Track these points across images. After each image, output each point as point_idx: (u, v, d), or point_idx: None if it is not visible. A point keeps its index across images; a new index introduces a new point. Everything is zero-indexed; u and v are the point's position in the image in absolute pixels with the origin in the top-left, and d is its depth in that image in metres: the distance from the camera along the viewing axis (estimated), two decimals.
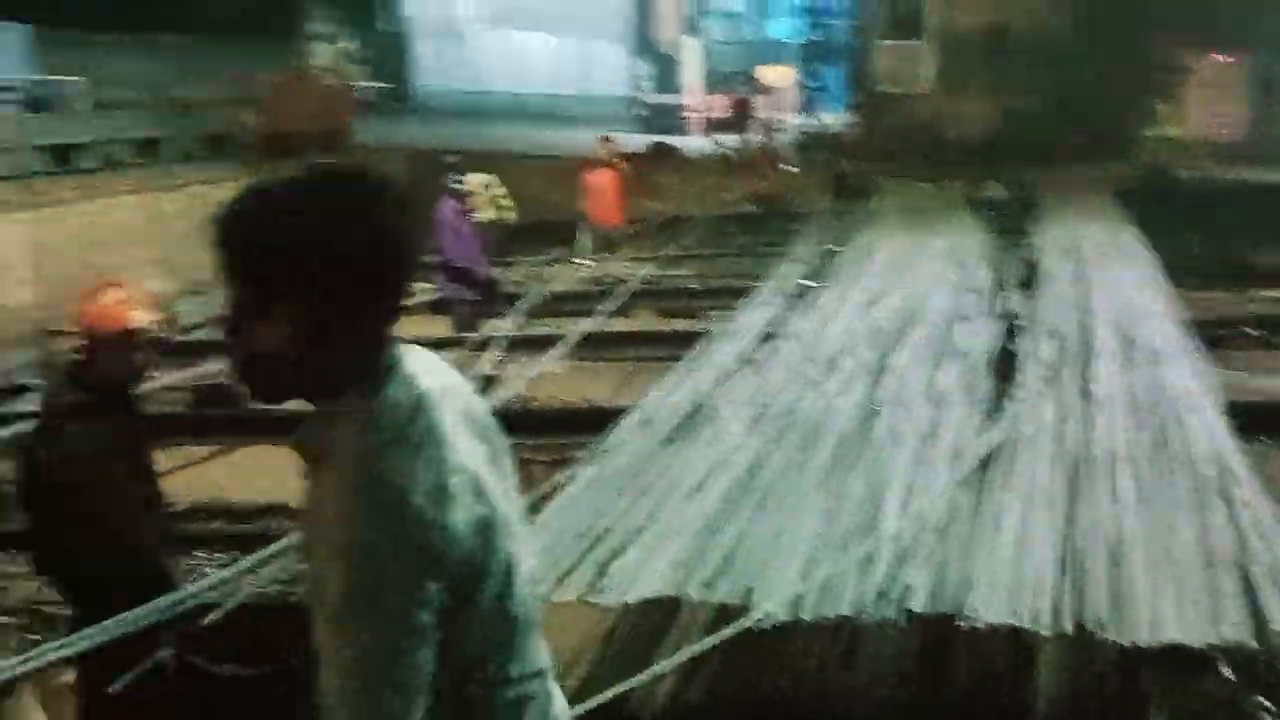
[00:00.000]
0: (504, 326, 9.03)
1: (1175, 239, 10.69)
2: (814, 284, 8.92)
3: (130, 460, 3.32)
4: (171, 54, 18.59)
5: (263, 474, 6.17)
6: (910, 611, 3.72)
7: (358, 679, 1.48)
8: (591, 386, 8.02)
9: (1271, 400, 6.36)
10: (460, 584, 1.54)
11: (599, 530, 4.18)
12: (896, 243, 10.47)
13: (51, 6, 17.17)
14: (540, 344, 8.50)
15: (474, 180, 10.33)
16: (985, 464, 4.81)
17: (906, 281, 8.53)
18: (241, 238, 1.57)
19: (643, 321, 10.32)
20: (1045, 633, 3.59)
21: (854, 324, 7.24)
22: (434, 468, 1.53)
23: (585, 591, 3.71)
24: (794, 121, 21.92)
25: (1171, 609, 3.59)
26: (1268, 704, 3.36)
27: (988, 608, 3.65)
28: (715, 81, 22.33)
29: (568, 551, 3.99)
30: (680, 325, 9.53)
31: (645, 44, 35.70)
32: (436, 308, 9.85)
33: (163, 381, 7.84)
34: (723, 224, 14.83)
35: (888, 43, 19.15)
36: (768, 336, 7.11)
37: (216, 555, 5.45)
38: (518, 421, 6.73)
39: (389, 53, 34.51)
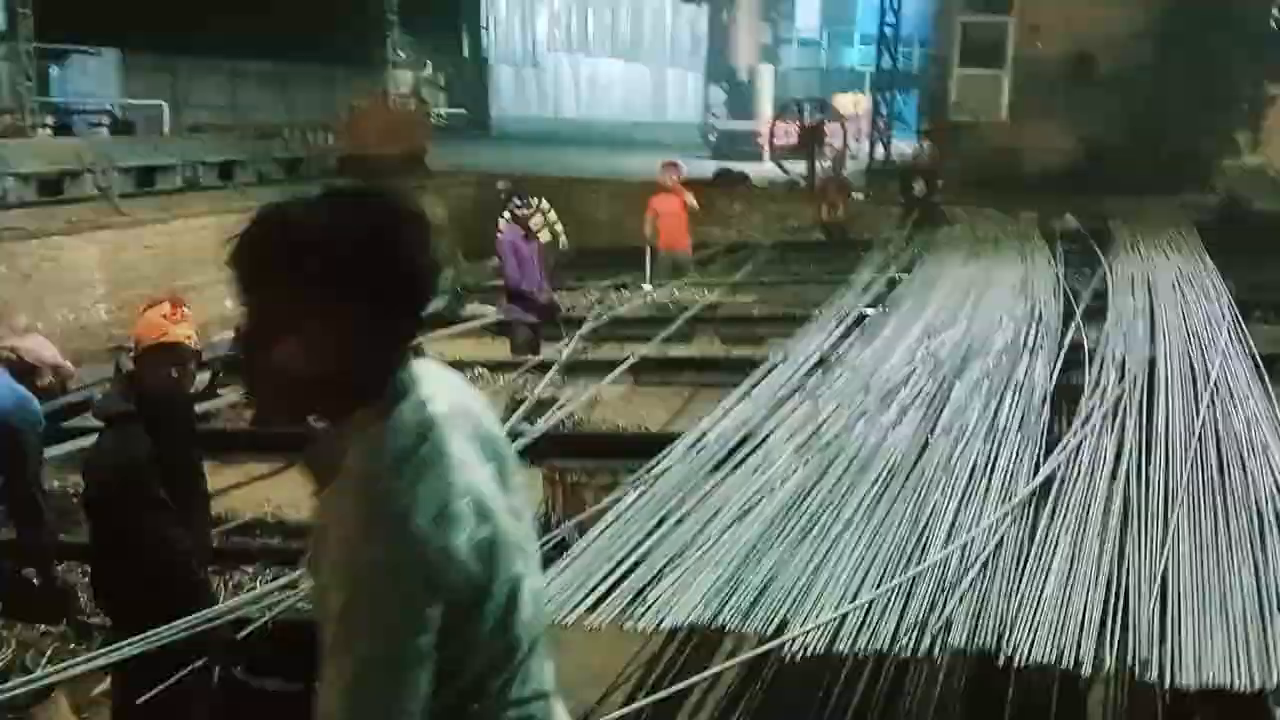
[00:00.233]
0: (563, 350, 9.08)
1: (1253, 270, 10.45)
2: (877, 312, 8.84)
3: (171, 473, 3.36)
4: (252, 80, 19.10)
5: None
6: (950, 646, 3.65)
7: (355, 697, 1.49)
8: (648, 411, 8.03)
9: None
10: (462, 605, 1.54)
11: (638, 555, 4.17)
12: (964, 272, 10.33)
13: (143, 32, 17.75)
14: (599, 368, 8.54)
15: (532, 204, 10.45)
16: (1037, 497, 4.71)
17: (972, 312, 8.41)
18: (253, 257, 1.60)
19: (702, 347, 10.31)
20: (1088, 672, 3.51)
21: (914, 353, 7.15)
22: (439, 490, 1.54)
23: (620, 617, 3.69)
24: (866, 149, 21.81)
25: (1220, 650, 3.48)
26: None
27: (1030, 645, 3.57)
28: (788, 108, 22.32)
29: (606, 576, 3.97)
30: (740, 351, 9.52)
31: (721, 71, 35.85)
32: (498, 330, 9.95)
33: (227, 399, 8.03)
34: (790, 251, 14.79)
35: (966, 71, 19.03)
36: (825, 364, 7.05)
37: (270, 570, 5.55)
38: (569, 444, 6.80)
39: (470, 80, 35.17)
